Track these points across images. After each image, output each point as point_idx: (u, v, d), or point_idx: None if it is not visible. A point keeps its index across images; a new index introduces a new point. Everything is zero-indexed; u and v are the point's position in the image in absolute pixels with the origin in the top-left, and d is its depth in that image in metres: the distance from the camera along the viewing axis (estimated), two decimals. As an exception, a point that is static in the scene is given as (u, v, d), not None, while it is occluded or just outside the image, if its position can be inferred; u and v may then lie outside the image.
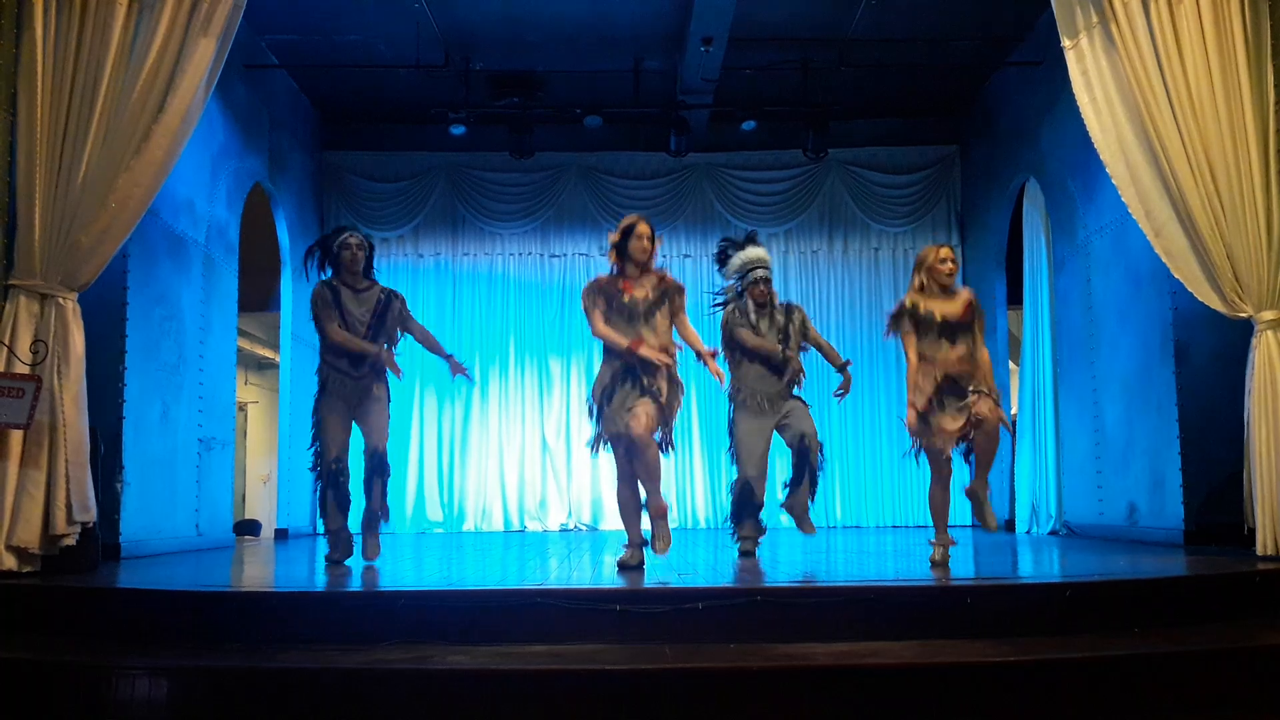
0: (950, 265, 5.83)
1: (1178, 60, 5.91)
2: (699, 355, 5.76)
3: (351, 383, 6.24)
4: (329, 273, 6.39)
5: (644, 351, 5.51)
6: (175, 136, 5.77)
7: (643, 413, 5.47)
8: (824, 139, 10.77)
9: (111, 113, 5.61)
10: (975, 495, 5.86)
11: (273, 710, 3.96)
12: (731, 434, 6.90)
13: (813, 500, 6.87)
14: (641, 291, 5.64)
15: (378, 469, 6.25)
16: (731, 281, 7.02)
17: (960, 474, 5.92)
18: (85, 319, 5.66)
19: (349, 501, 6.30)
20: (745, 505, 6.76)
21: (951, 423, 5.65)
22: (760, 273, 6.85)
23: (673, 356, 5.64)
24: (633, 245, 5.64)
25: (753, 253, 6.92)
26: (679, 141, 10.82)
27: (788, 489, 6.89)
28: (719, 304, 7.09)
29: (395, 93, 10.71)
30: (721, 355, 6.64)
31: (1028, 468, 9.72)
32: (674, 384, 5.65)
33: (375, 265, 6.58)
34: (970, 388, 5.66)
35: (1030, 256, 9.89)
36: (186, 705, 4.03)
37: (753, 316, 6.82)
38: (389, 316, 6.36)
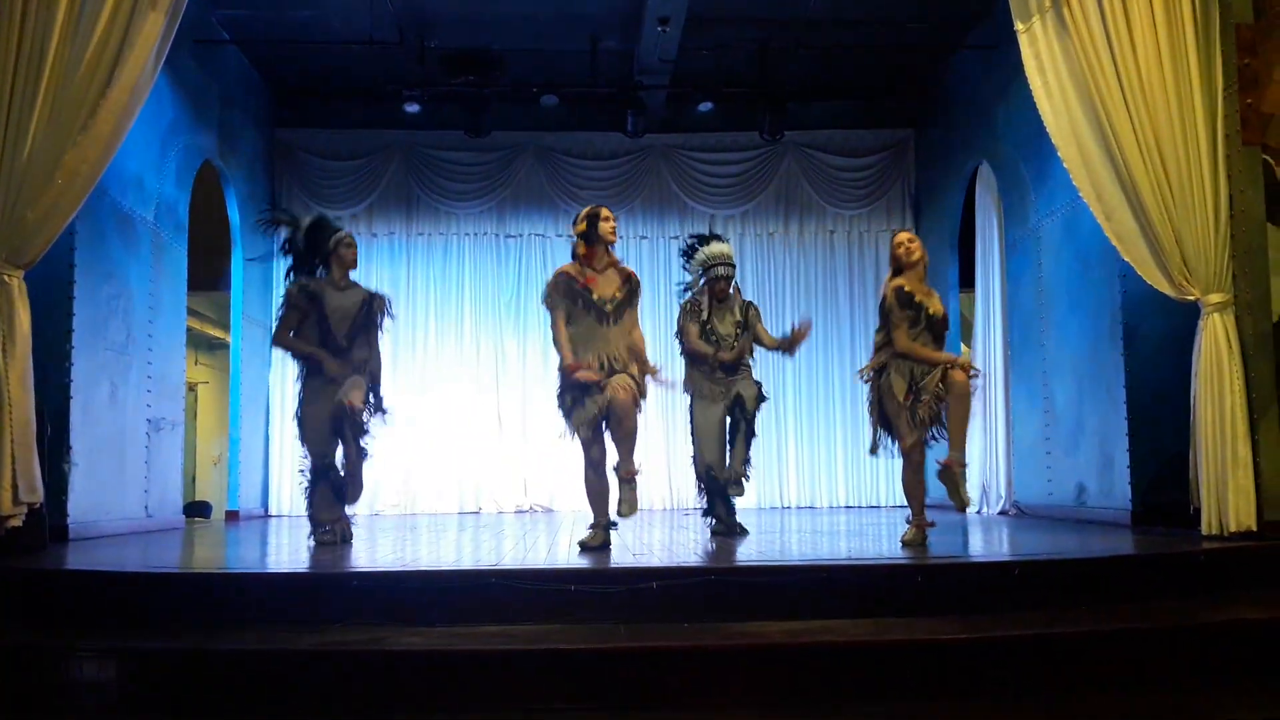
0: (907, 247, 5.90)
1: (1129, 45, 5.98)
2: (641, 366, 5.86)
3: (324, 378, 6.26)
4: (320, 273, 6.40)
5: (581, 375, 5.59)
6: (123, 112, 5.68)
7: (623, 385, 5.56)
8: (780, 121, 10.78)
9: (58, 87, 5.50)
10: (951, 472, 5.76)
11: (223, 692, 3.93)
12: (691, 420, 7.04)
13: (748, 465, 6.93)
14: (610, 289, 5.76)
15: (347, 422, 6.16)
16: (696, 275, 7.08)
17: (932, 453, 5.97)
18: (31, 297, 5.55)
19: (343, 490, 6.35)
20: (712, 490, 6.89)
21: (931, 399, 5.70)
22: (722, 270, 6.97)
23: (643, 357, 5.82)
24: (603, 228, 5.78)
25: (716, 248, 7.04)
26: (636, 122, 10.80)
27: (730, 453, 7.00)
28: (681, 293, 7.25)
29: (348, 70, 10.58)
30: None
31: (979, 449, 9.81)
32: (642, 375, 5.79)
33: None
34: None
35: (982, 239, 9.97)
36: (136, 687, 3.99)
37: (704, 313, 6.95)
38: (370, 323, 6.36)
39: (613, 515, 5.81)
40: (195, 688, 3.95)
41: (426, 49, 9.98)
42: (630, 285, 5.82)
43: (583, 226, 5.81)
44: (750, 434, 6.86)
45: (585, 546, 5.61)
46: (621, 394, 5.53)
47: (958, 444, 5.76)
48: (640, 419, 5.72)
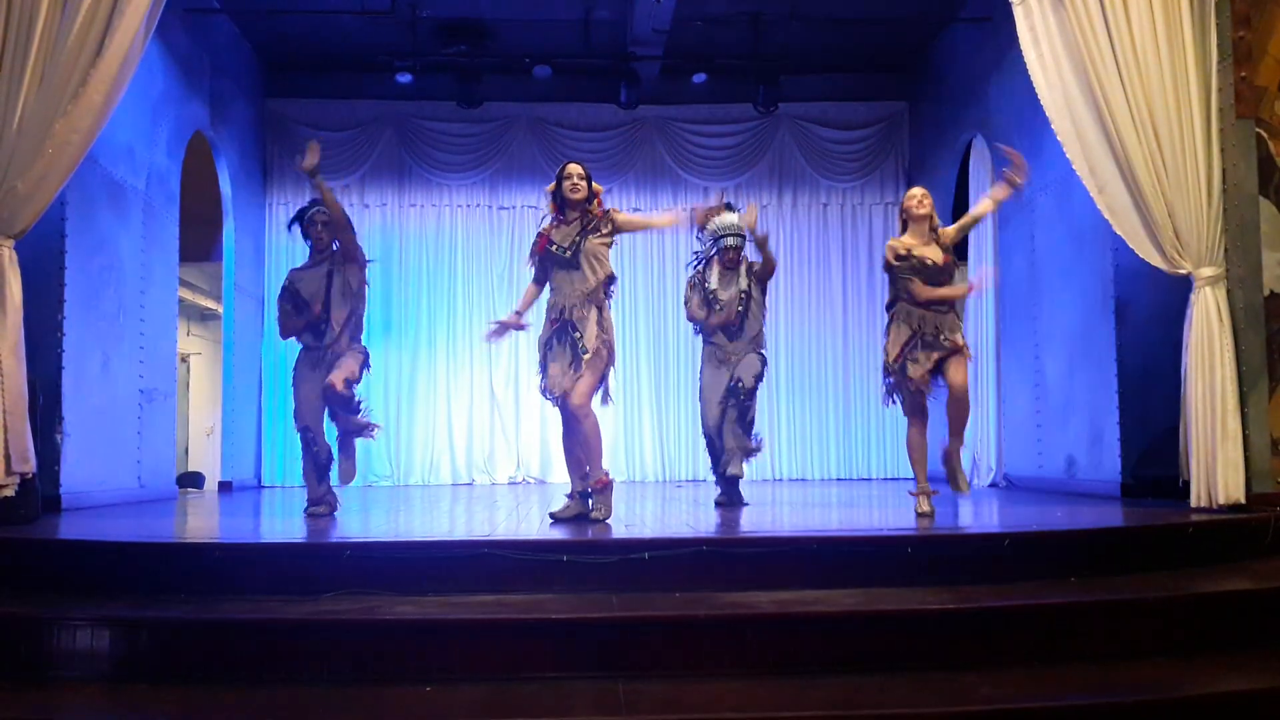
0: (918, 199, 5.90)
1: (1124, 17, 5.96)
2: (658, 224, 6.68)
3: (318, 354, 6.38)
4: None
5: (494, 325, 6.08)
6: (114, 81, 5.63)
7: (582, 385, 5.64)
8: (774, 93, 10.77)
9: (47, 56, 5.47)
10: (949, 459, 5.94)
11: (216, 661, 3.95)
12: (700, 383, 7.18)
13: (754, 450, 6.99)
14: (563, 235, 5.75)
15: (331, 401, 6.29)
16: (707, 244, 7.17)
17: (937, 432, 5.98)
18: (23, 267, 5.54)
19: (326, 465, 6.42)
20: (715, 455, 7.05)
21: (926, 361, 5.73)
22: (731, 240, 7.06)
23: (608, 290, 5.83)
24: (565, 187, 5.77)
25: (727, 219, 7.10)
26: (629, 94, 10.77)
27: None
28: (693, 264, 7.33)
29: (340, 39, 10.50)
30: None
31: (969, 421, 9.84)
32: (603, 327, 5.75)
33: None
34: (943, 337, 5.75)
35: (976, 213, 9.95)
36: (129, 656, 4.00)
37: (712, 282, 7.05)
38: (334, 288, 6.39)
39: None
40: (188, 657, 3.97)
41: (418, 19, 9.92)
42: (585, 221, 5.75)
43: (553, 186, 5.85)
44: (742, 414, 6.89)
45: (556, 519, 5.65)
46: (576, 397, 5.66)
47: (956, 432, 5.87)
48: (602, 408, 5.85)
